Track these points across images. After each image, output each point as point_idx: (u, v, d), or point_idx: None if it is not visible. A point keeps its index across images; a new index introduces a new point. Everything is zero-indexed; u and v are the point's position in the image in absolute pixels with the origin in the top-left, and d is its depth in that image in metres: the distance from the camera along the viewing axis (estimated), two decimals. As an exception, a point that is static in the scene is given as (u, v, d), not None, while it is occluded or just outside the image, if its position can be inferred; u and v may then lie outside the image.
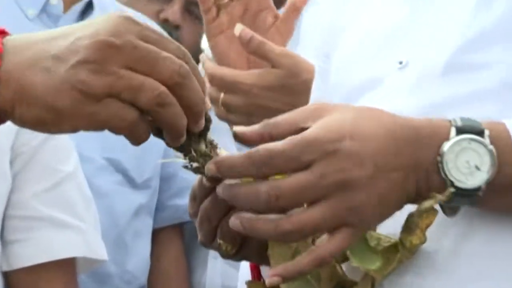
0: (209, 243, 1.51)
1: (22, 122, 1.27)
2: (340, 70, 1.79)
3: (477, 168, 1.39)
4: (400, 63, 1.61)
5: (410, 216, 1.41)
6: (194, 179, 2.07)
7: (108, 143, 2.69)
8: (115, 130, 1.25)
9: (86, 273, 2.36)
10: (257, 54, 2.24)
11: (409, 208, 1.44)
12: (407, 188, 1.40)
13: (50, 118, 1.25)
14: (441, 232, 1.49)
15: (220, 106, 2.29)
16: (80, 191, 2.29)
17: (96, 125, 1.24)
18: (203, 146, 1.41)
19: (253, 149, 1.37)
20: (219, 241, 1.51)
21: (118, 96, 1.22)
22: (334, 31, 1.88)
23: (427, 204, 1.39)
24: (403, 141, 1.41)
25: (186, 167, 1.43)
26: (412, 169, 1.40)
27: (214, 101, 2.27)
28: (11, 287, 2.27)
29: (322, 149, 1.34)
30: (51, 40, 1.26)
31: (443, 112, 1.49)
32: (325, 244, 1.38)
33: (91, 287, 2.78)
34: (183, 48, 1.29)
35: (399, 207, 1.41)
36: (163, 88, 1.23)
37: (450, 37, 1.58)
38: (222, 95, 2.27)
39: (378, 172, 1.38)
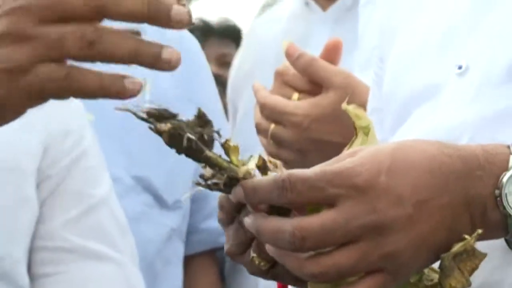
0: (239, 255, 1.47)
1: None
2: (395, 77, 1.80)
3: None
4: (460, 67, 1.60)
5: (442, 259, 1.36)
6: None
7: (136, 159, 2.69)
8: (57, 96, 1.21)
9: None
10: (307, 73, 2.18)
11: None
12: (457, 229, 1.36)
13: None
14: (507, 267, 1.47)
15: (270, 140, 2.23)
16: (115, 217, 2.25)
17: (35, 99, 1.23)
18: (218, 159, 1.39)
19: (280, 173, 1.37)
20: (253, 254, 1.46)
21: (47, 59, 1.19)
22: (388, 32, 1.90)
23: (456, 247, 1.35)
24: (452, 174, 1.38)
25: (198, 184, 1.42)
26: (463, 207, 1.37)
27: (263, 134, 2.26)
28: None
29: (351, 183, 1.31)
30: None
31: (507, 127, 1.49)
32: (356, 285, 1.35)
33: None
34: None
35: (446, 250, 1.36)
36: (84, 27, 1.18)
37: (508, 36, 1.58)
38: (272, 126, 2.21)
39: (418, 213, 1.34)
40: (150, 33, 2.92)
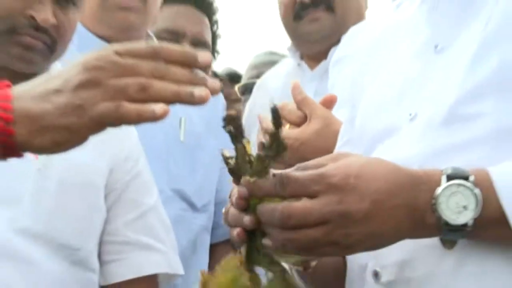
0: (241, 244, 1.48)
1: (41, 150, 1.30)
2: (364, 119, 1.78)
3: (465, 208, 1.37)
4: (411, 115, 1.59)
5: None
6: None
7: (174, 176, 2.65)
8: (114, 123, 1.27)
9: (166, 286, 2.35)
10: (301, 104, 2.14)
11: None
12: (402, 225, 1.39)
13: (64, 137, 1.27)
14: (440, 260, 1.47)
15: None
16: (161, 220, 2.28)
17: (98, 128, 1.27)
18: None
19: (280, 172, 1.40)
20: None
21: (112, 100, 1.25)
22: (359, 86, 1.87)
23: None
24: (403, 184, 1.40)
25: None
26: (408, 209, 1.39)
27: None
28: None
29: (328, 182, 1.34)
30: (48, 81, 1.29)
31: (444, 158, 1.49)
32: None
33: None
34: (147, 49, 1.29)
35: (393, 241, 1.41)
36: (141, 79, 1.25)
37: (450, 91, 1.55)
38: None
39: (374, 209, 1.36)
40: None
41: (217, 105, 2.98)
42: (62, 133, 1.28)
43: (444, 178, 1.40)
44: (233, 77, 4.09)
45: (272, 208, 1.39)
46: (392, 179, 1.41)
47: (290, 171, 1.44)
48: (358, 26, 2.65)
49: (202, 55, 1.30)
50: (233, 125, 1.44)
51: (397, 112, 1.65)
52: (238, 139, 1.43)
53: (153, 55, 1.28)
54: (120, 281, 2.23)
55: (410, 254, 1.48)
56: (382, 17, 2.42)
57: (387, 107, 1.70)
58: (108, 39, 2.75)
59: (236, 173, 1.45)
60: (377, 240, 1.41)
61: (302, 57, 3.00)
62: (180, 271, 2.27)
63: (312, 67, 2.91)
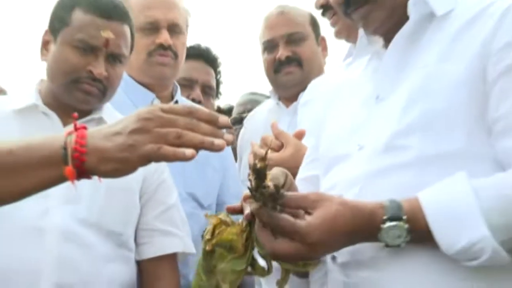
0: None
1: (104, 174, 1.36)
2: (326, 147, 1.81)
3: (399, 237, 1.42)
4: (359, 146, 1.64)
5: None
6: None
7: (188, 183, 2.62)
8: (156, 160, 1.32)
9: (181, 261, 2.32)
10: (278, 136, 2.20)
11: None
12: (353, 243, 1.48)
13: (120, 167, 1.33)
14: (380, 248, 1.51)
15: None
16: (179, 214, 2.30)
17: (145, 162, 1.33)
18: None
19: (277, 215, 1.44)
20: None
21: (156, 143, 1.30)
22: (322, 121, 1.89)
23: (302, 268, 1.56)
24: (357, 231, 1.45)
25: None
26: (360, 240, 1.47)
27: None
28: (140, 271, 2.27)
29: (304, 240, 1.42)
30: (112, 126, 1.35)
31: (382, 177, 1.55)
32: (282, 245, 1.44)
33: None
34: (184, 108, 1.36)
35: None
36: (178, 130, 1.31)
37: (386, 130, 1.59)
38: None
39: (328, 246, 1.45)
40: None
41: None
42: (119, 164, 1.34)
43: (385, 219, 1.44)
44: (230, 111, 4.03)
45: (268, 239, 1.45)
46: (350, 232, 1.45)
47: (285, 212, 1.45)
48: (319, 78, 2.74)
49: (222, 118, 1.36)
50: (257, 174, 1.45)
51: (349, 143, 1.68)
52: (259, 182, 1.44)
53: (188, 113, 1.34)
54: (149, 257, 2.24)
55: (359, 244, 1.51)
56: (336, 72, 2.54)
57: (342, 140, 1.72)
58: (148, 86, 2.74)
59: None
60: (331, 251, 1.53)
61: (279, 99, 2.99)
62: (193, 250, 2.27)
63: (287, 106, 2.90)
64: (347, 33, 2.38)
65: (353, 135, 1.68)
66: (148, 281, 2.26)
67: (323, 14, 2.50)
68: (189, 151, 1.30)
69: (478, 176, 1.45)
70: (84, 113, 2.18)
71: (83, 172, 1.35)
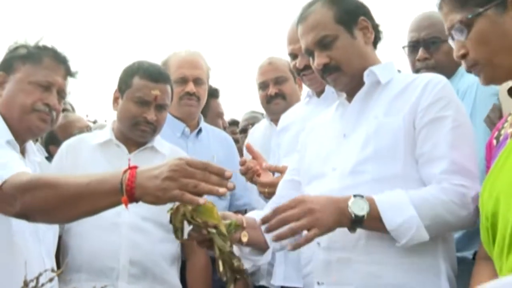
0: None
1: (146, 202, 1.34)
2: (307, 167, 1.79)
3: (362, 208, 1.47)
4: (333, 168, 1.66)
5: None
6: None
7: None
8: (179, 201, 1.32)
9: None
10: (271, 169, 2.13)
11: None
12: (335, 216, 1.47)
13: (156, 200, 1.31)
14: (351, 235, 1.54)
15: (267, 194, 2.10)
16: None
17: (172, 201, 1.33)
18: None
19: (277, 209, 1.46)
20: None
21: (180, 189, 1.29)
22: (304, 146, 1.87)
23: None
24: (333, 202, 1.50)
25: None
26: (337, 209, 1.48)
27: (265, 194, 2.13)
28: (182, 246, 2.22)
29: (304, 205, 1.45)
30: (154, 169, 1.33)
31: (350, 190, 1.55)
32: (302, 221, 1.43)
33: None
34: (201, 164, 1.32)
35: (333, 225, 1.48)
36: (195, 181, 1.29)
37: (351, 158, 1.62)
38: (266, 190, 2.12)
39: (322, 209, 1.46)
40: (213, 136, 2.82)
41: (230, 145, 2.88)
42: (155, 199, 1.32)
43: (352, 196, 1.49)
44: (235, 123, 4.03)
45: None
46: (330, 202, 1.50)
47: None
48: (287, 111, 2.60)
49: (227, 172, 1.33)
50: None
51: (325, 166, 1.70)
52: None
53: (204, 168, 1.31)
54: (186, 238, 2.25)
55: (335, 232, 1.51)
56: (299, 107, 2.48)
57: (320, 163, 1.72)
58: (180, 119, 2.73)
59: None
60: (329, 224, 1.47)
61: (271, 120, 2.89)
62: None
63: (276, 125, 2.71)
64: (320, 84, 2.33)
65: (328, 160, 1.69)
66: (188, 253, 2.30)
67: (296, 74, 2.47)
68: (202, 199, 1.30)
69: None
70: (142, 144, 2.27)
71: (133, 199, 1.34)
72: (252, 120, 3.67)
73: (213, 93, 3.41)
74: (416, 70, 2.31)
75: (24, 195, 1.44)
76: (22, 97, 1.79)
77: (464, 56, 1.32)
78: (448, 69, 2.19)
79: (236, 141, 3.35)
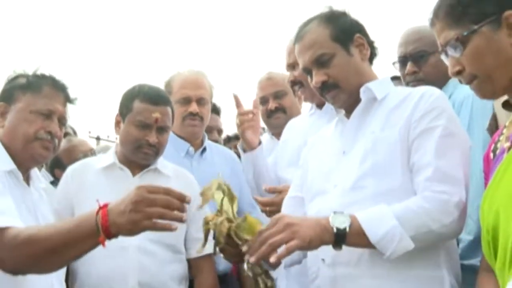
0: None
1: (123, 235, 1.39)
2: (310, 184, 1.80)
3: (343, 222, 1.47)
4: (334, 185, 1.67)
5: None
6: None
7: None
8: (152, 230, 1.37)
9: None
10: (270, 190, 2.15)
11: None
12: (318, 232, 1.46)
13: (131, 232, 1.37)
14: (354, 252, 1.55)
15: (269, 213, 2.15)
16: None
17: (141, 229, 1.37)
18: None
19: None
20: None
21: (148, 219, 1.34)
22: (306, 163, 1.88)
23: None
24: (316, 220, 1.49)
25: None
26: (319, 227, 1.46)
27: (266, 213, 2.18)
28: (190, 266, 2.28)
29: (285, 223, 1.44)
30: (120, 204, 1.37)
31: (350, 207, 1.56)
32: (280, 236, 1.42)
33: None
34: (162, 189, 1.37)
35: (318, 242, 1.46)
36: (160, 210, 1.34)
37: (351, 175, 1.63)
38: (268, 208, 2.15)
39: (300, 225, 1.44)
40: (217, 153, 2.83)
41: (235, 162, 2.87)
42: (129, 231, 1.38)
43: (332, 213, 1.49)
44: (237, 137, 3.93)
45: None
46: (310, 218, 1.52)
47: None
48: (291, 122, 2.61)
49: (188, 197, 1.39)
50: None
51: (327, 183, 1.70)
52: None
53: (166, 193, 1.37)
54: (194, 257, 2.25)
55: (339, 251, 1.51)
56: (302, 119, 2.48)
57: (322, 179, 1.74)
58: (184, 139, 2.73)
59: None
60: (304, 235, 1.44)
61: (272, 134, 2.91)
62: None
63: (278, 138, 2.75)
64: (311, 98, 2.37)
65: (329, 177, 1.70)
66: (195, 272, 2.30)
67: (293, 86, 2.48)
68: (174, 226, 1.37)
69: None
70: (145, 166, 2.28)
71: (111, 237, 1.39)
72: None
73: (214, 110, 3.43)
74: (406, 84, 2.35)
75: (11, 254, 1.47)
76: (24, 126, 1.81)
77: (459, 73, 1.34)
78: (437, 81, 2.21)
79: (238, 155, 3.36)
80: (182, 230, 2.25)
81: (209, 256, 2.27)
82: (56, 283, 1.85)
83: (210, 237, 1.53)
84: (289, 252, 1.41)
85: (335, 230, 1.45)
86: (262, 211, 2.15)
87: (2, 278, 1.59)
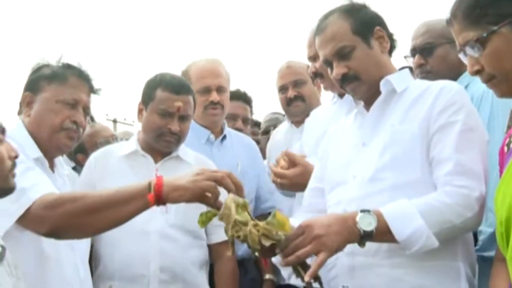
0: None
1: (173, 200, 1.43)
2: (329, 174, 1.81)
3: (370, 224, 1.47)
4: (353, 176, 1.68)
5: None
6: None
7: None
8: (210, 191, 1.42)
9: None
10: (289, 157, 2.13)
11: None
12: (347, 239, 1.47)
13: (185, 193, 1.43)
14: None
15: (279, 185, 2.16)
16: None
17: (199, 188, 1.42)
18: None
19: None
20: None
21: (210, 179, 1.42)
22: (325, 154, 1.89)
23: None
24: (342, 221, 1.49)
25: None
26: (346, 230, 1.47)
27: (276, 184, 2.17)
28: (210, 251, 2.27)
29: (312, 233, 1.45)
30: (179, 177, 1.44)
31: (369, 198, 1.58)
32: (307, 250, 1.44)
33: None
34: (219, 172, 1.45)
35: (344, 245, 1.48)
36: (212, 184, 1.43)
37: (371, 166, 1.65)
38: (278, 180, 2.14)
39: (327, 236, 1.45)
40: (237, 141, 2.81)
41: (254, 150, 2.89)
42: (185, 191, 1.43)
43: (359, 212, 1.48)
44: (257, 124, 3.97)
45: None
46: (336, 220, 1.49)
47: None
48: (316, 109, 2.63)
49: (240, 184, 1.45)
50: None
51: (346, 174, 1.72)
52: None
53: (228, 175, 1.46)
54: (214, 243, 2.27)
55: (360, 278, 1.57)
56: (326, 107, 2.48)
57: (341, 171, 1.75)
58: (205, 126, 2.73)
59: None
60: (336, 246, 1.45)
61: (292, 122, 2.90)
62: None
63: (297, 126, 2.84)
64: (331, 88, 2.38)
65: (348, 168, 1.72)
66: (215, 258, 2.33)
67: (315, 78, 2.49)
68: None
69: None
70: (167, 153, 2.31)
71: (160, 196, 1.42)
72: (274, 122, 3.68)
73: (245, 99, 3.42)
74: (417, 76, 2.34)
75: (53, 213, 1.49)
76: (51, 116, 1.84)
77: (478, 72, 1.34)
78: (445, 72, 2.21)
79: (257, 141, 3.37)
80: None
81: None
82: (81, 265, 1.88)
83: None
84: (319, 266, 1.43)
85: (362, 232, 1.46)
86: (273, 181, 2.16)
87: (29, 258, 1.63)
